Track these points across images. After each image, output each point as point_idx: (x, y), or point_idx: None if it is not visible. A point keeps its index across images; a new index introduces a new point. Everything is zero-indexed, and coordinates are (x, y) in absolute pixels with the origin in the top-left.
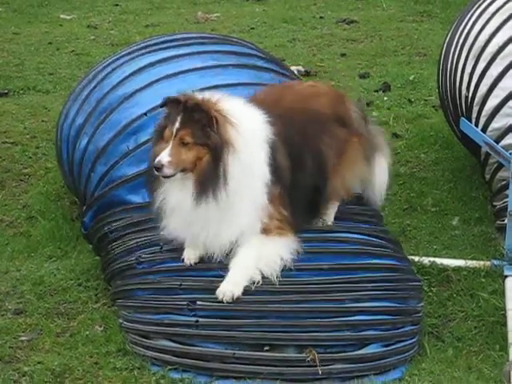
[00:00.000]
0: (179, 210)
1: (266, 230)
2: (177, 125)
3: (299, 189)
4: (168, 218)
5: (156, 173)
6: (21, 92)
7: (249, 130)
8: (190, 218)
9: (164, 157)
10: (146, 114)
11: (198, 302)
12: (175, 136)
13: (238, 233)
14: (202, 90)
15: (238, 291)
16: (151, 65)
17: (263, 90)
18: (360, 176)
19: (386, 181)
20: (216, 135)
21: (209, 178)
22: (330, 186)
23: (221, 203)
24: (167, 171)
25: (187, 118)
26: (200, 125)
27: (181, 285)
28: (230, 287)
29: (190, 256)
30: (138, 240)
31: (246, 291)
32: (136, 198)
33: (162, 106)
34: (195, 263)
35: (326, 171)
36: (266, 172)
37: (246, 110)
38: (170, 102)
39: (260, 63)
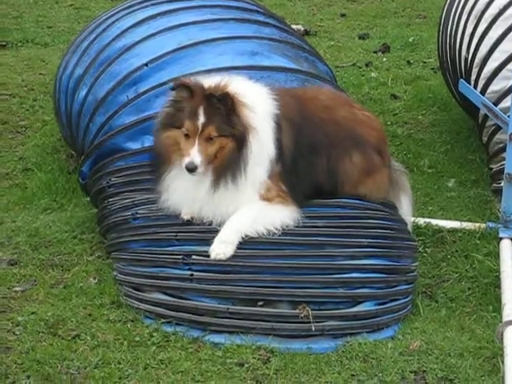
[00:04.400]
0: (188, 194)
1: (267, 199)
2: (202, 119)
3: (300, 180)
4: (173, 199)
5: (188, 173)
6: (19, 44)
7: (260, 108)
8: (200, 202)
9: (196, 157)
10: (146, 64)
11: (193, 256)
12: (202, 132)
13: (237, 208)
14: (204, 42)
15: (229, 251)
16: (151, 17)
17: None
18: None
19: (411, 222)
20: (239, 123)
21: (231, 164)
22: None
23: (239, 186)
24: (200, 170)
25: (211, 110)
26: (223, 115)
27: (176, 235)
28: (223, 248)
29: (186, 211)
30: (135, 199)
31: (240, 244)
32: (135, 146)
33: (172, 89)
34: (192, 218)
35: (340, 180)
36: (272, 148)
37: (251, 86)
38: (181, 89)
39: (261, 18)
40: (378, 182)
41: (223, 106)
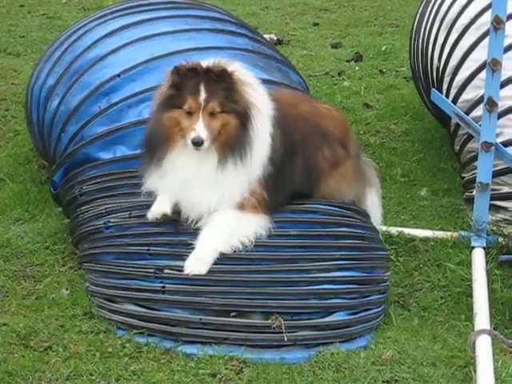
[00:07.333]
0: (191, 174)
1: (241, 206)
2: (203, 95)
3: (285, 183)
4: (167, 182)
5: (194, 147)
6: None
7: (261, 91)
8: (203, 181)
9: (202, 131)
10: (119, 75)
11: (166, 271)
12: (204, 107)
13: (220, 199)
14: (176, 52)
15: (205, 269)
16: (124, 27)
17: (283, 92)
18: (350, 192)
19: (380, 215)
20: (241, 99)
21: (236, 142)
22: (318, 192)
23: (246, 166)
24: (206, 144)
25: (212, 86)
26: (225, 92)
27: (149, 250)
28: (198, 266)
29: (154, 211)
30: (108, 206)
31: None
32: (106, 155)
33: (177, 75)
34: (157, 219)
35: (316, 177)
36: (269, 143)
37: (250, 73)
38: (183, 71)
39: (233, 28)
40: (343, 175)
41: (223, 83)
